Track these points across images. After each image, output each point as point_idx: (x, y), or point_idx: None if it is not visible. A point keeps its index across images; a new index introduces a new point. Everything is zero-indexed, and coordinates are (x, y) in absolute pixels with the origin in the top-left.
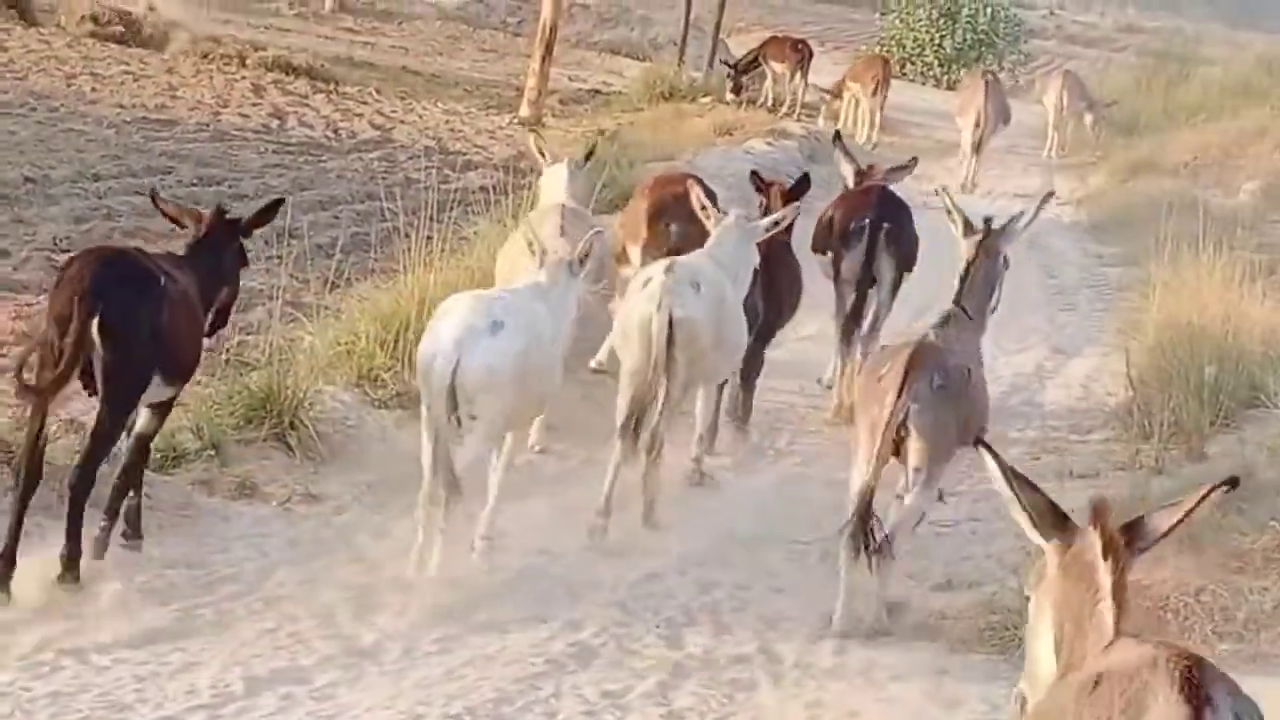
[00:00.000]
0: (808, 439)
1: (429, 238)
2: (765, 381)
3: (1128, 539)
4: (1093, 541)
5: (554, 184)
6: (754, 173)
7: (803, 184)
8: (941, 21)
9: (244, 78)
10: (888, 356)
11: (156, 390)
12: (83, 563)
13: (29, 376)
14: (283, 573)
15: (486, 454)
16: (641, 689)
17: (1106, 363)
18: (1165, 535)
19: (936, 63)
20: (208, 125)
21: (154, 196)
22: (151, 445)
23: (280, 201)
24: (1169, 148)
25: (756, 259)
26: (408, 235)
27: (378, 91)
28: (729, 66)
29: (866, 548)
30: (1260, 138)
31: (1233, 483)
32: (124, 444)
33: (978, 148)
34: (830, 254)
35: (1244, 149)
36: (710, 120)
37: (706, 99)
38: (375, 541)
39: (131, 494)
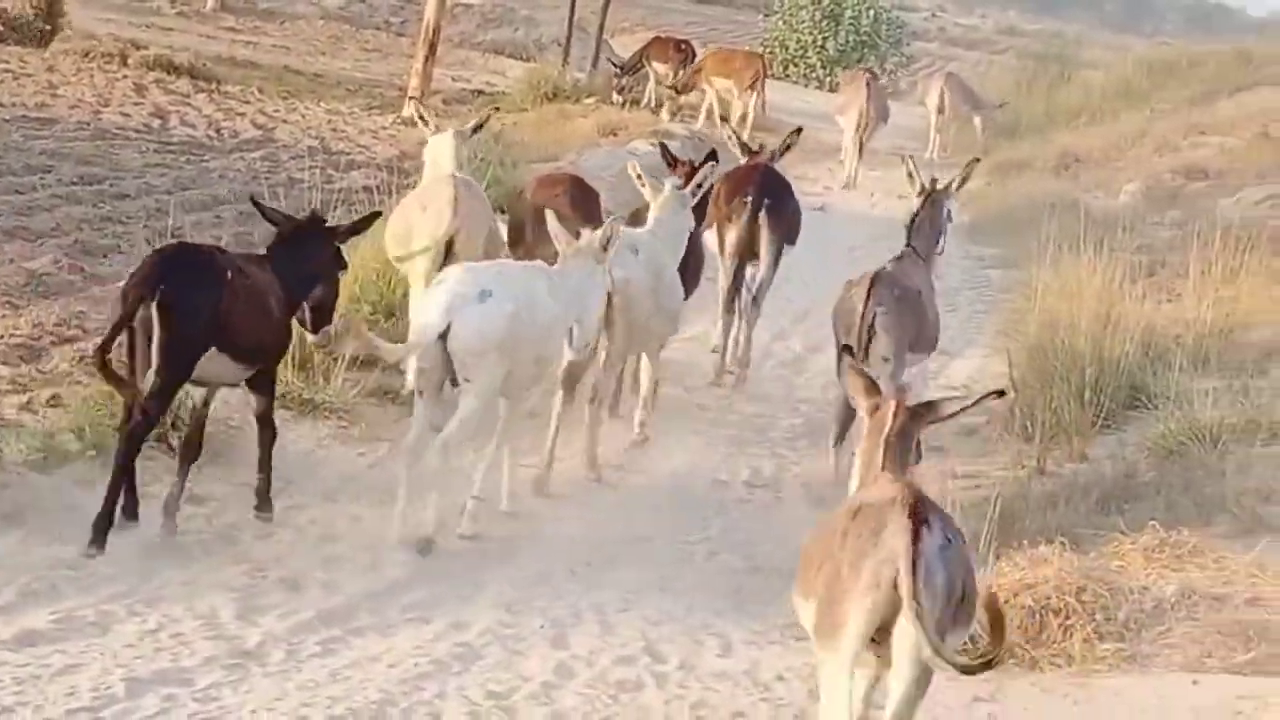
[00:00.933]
0: (696, 438)
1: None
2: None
3: (915, 412)
4: (889, 406)
5: (442, 153)
6: (663, 145)
7: (710, 158)
8: (824, 23)
9: (125, 76)
10: (854, 284)
11: (232, 368)
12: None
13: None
14: (165, 573)
15: (476, 416)
16: (526, 690)
17: (988, 364)
18: (946, 418)
19: (819, 64)
20: (88, 124)
21: (254, 201)
22: (273, 419)
23: (377, 214)
24: (1050, 149)
25: (692, 225)
26: None
27: (260, 91)
28: (615, 67)
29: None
30: (1140, 140)
31: (999, 393)
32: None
33: (861, 146)
34: (716, 227)
35: (1124, 151)
36: (594, 121)
37: (590, 99)
38: (259, 542)
39: (260, 472)
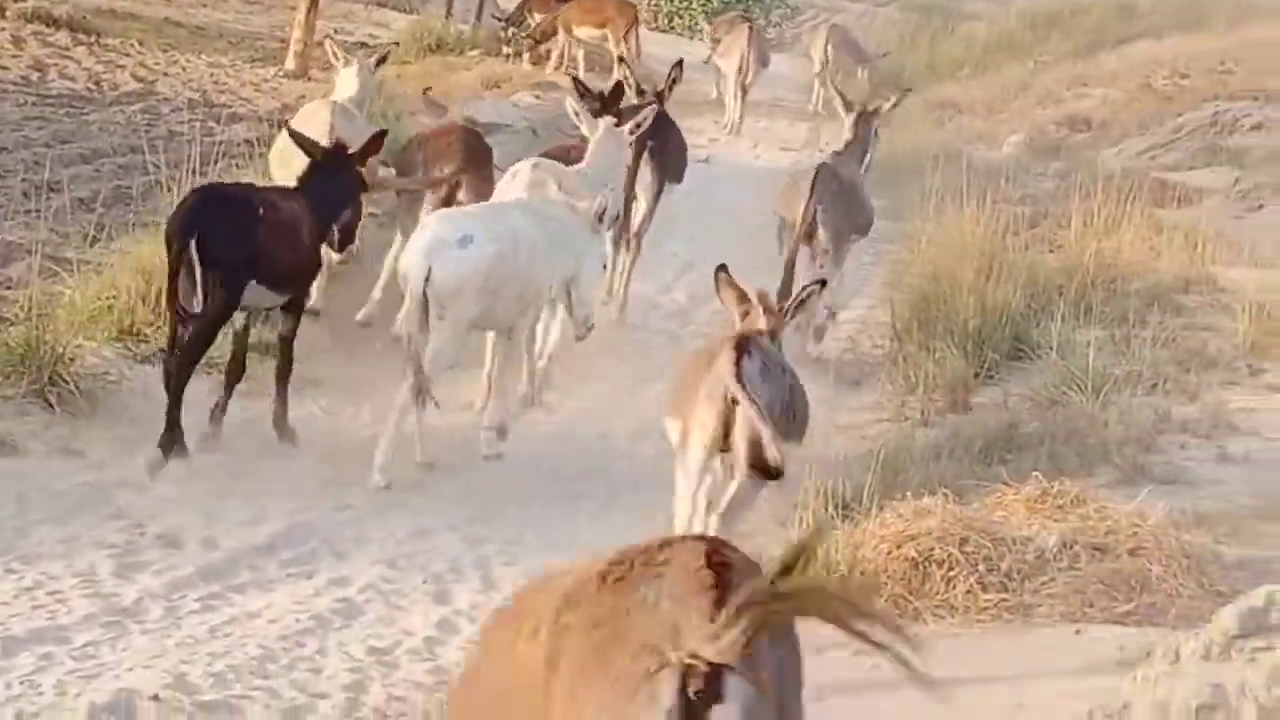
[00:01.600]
0: (581, 391)
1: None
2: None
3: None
4: (756, 308)
5: (347, 84)
6: (574, 79)
7: (617, 89)
8: None
9: (3, 29)
10: (799, 177)
11: (269, 296)
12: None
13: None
14: (42, 530)
15: (450, 351)
16: (408, 645)
17: (872, 315)
18: (796, 309)
19: (703, 16)
20: None
21: (289, 129)
22: (293, 344)
23: (384, 132)
24: (934, 101)
25: (628, 158)
26: (170, 189)
27: (140, 44)
28: (499, 20)
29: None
30: (1023, 91)
31: (821, 283)
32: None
33: (743, 91)
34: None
35: (1007, 103)
36: (478, 73)
37: (475, 52)
38: (137, 497)
39: (277, 397)
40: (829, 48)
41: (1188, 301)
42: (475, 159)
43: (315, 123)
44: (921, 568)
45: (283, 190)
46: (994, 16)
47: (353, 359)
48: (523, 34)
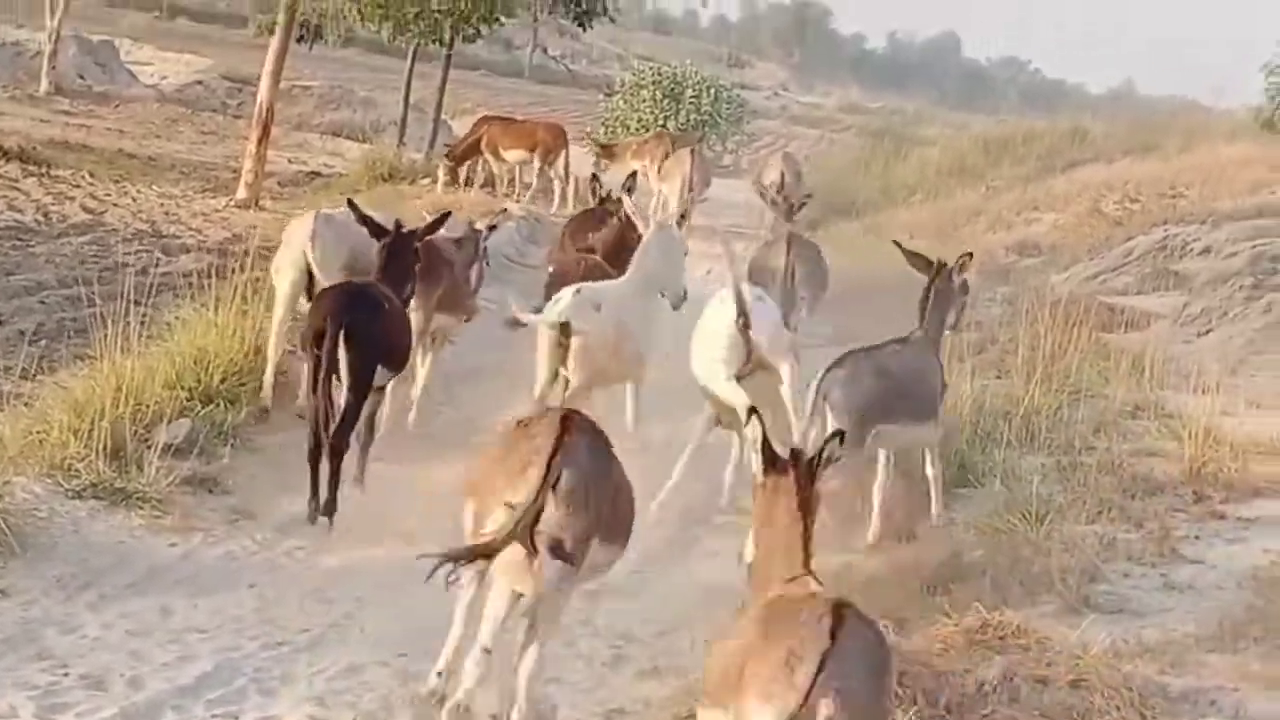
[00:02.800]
0: None
1: (143, 322)
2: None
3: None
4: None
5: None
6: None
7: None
8: (665, 102)
9: None
10: (770, 244)
11: (385, 375)
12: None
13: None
14: None
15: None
16: None
17: (816, 442)
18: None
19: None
20: None
21: (352, 205)
22: None
23: (448, 214)
24: (886, 227)
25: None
26: (110, 322)
27: (91, 175)
28: (447, 148)
29: None
30: (975, 217)
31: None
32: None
33: (685, 213)
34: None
35: (959, 228)
36: (428, 201)
37: (426, 180)
38: (63, 637)
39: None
40: (784, 175)
41: (1134, 427)
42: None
43: (300, 230)
44: None
45: (377, 282)
46: (948, 142)
47: (284, 491)
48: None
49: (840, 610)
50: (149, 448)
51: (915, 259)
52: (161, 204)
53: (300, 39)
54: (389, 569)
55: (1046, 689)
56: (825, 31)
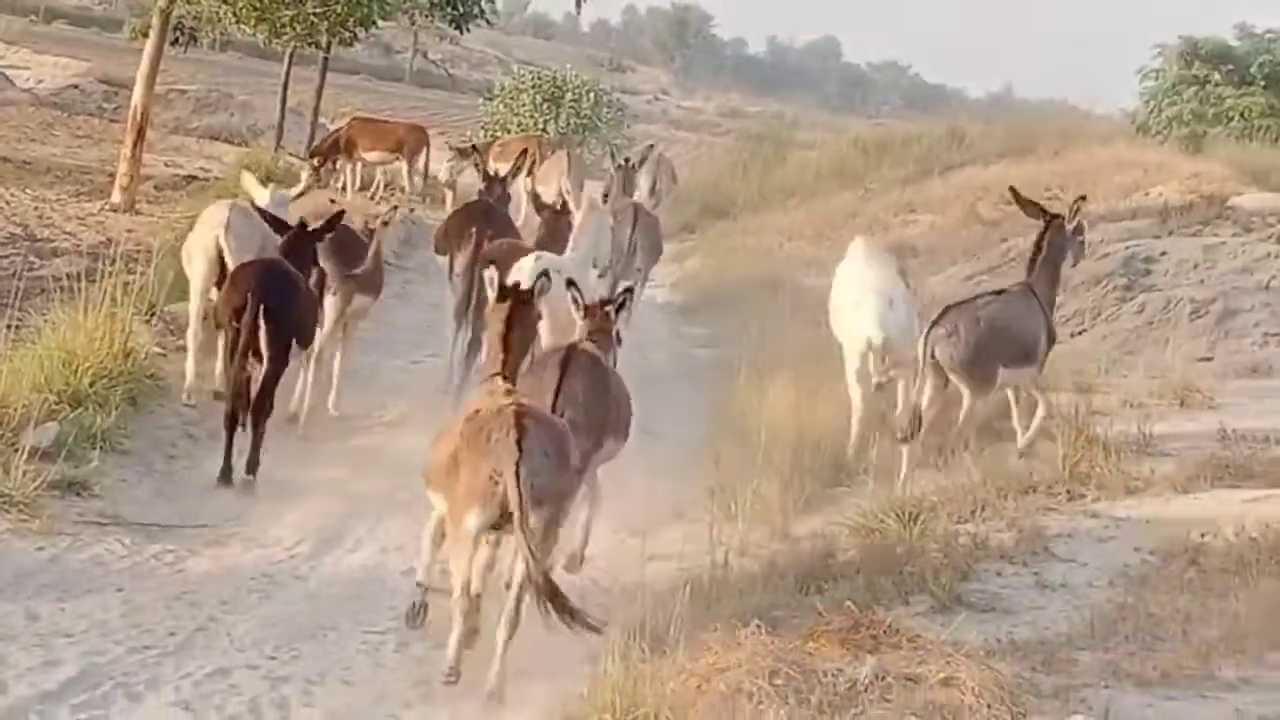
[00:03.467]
0: (390, 523)
1: (12, 326)
2: (351, 472)
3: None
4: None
5: (258, 194)
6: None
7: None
8: (545, 106)
9: None
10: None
11: (295, 351)
12: None
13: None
14: None
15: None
16: None
17: (694, 444)
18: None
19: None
20: None
21: (253, 205)
22: None
23: (342, 212)
24: (763, 230)
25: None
26: None
27: None
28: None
29: None
30: (852, 219)
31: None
32: None
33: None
34: (447, 254)
35: (835, 229)
36: (304, 204)
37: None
38: None
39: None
40: (658, 177)
41: (1009, 427)
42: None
43: (215, 218)
44: (731, 701)
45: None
46: (827, 145)
47: (152, 495)
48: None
49: (521, 420)
50: (16, 451)
51: (1029, 207)
52: (35, 207)
53: (175, 42)
54: (256, 573)
55: (918, 687)
56: (706, 36)
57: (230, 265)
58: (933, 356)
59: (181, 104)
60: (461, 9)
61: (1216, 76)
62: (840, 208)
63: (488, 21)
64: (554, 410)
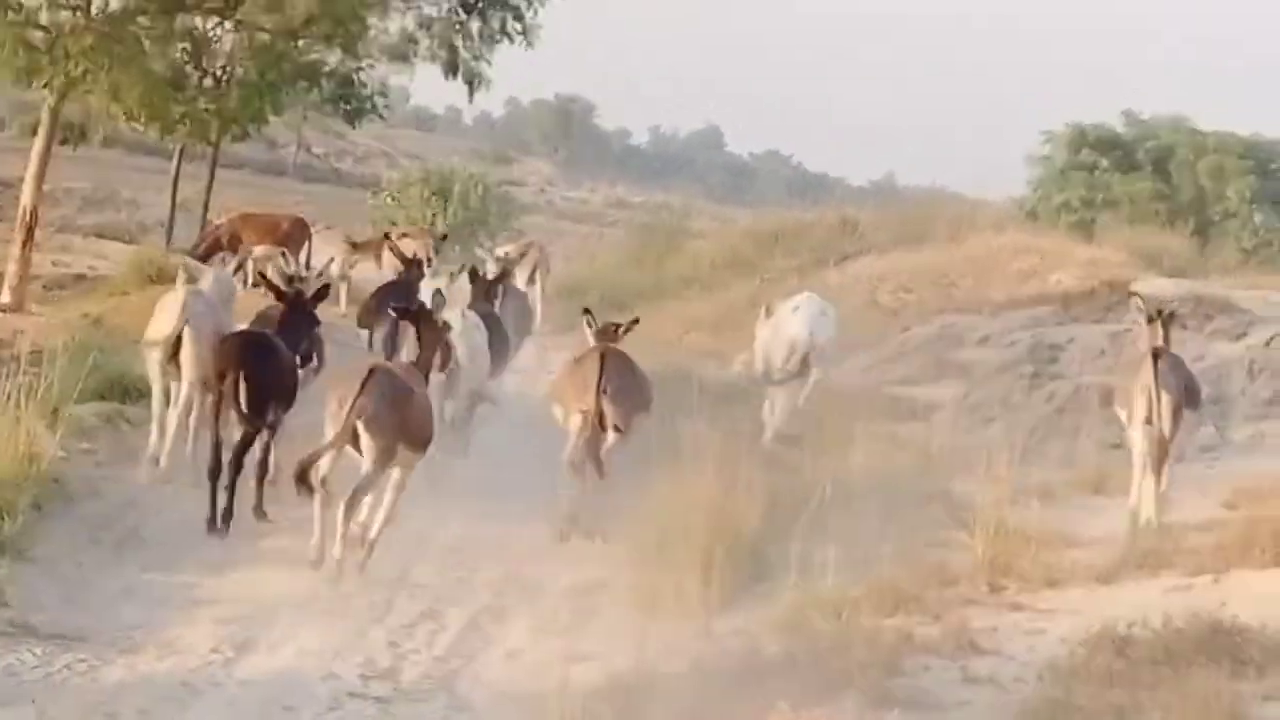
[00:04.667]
0: (308, 628)
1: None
2: (264, 574)
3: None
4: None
5: (205, 280)
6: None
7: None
8: (434, 199)
9: None
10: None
11: (274, 412)
12: None
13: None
14: None
15: None
16: None
17: (611, 540)
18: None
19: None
20: None
21: (263, 277)
22: None
23: (328, 286)
24: (662, 320)
25: None
26: None
27: None
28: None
29: None
30: (752, 308)
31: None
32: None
33: None
34: (369, 328)
35: (736, 320)
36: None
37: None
38: None
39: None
40: (536, 268)
41: (926, 518)
42: None
43: (171, 303)
44: None
45: (276, 331)
46: (718, 235)
47: (63, 603)
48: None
49: (603, 353)
50: None
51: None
52: None
53: (64, 141)
54: (173, 681)
55: None
56: (589, 127)
57: (186, 345)
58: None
59: (69, 202)
60: (354, 105)
61: (1105, 162)
62: (739, 297)
63: (380, 116)
64: (599, 389)
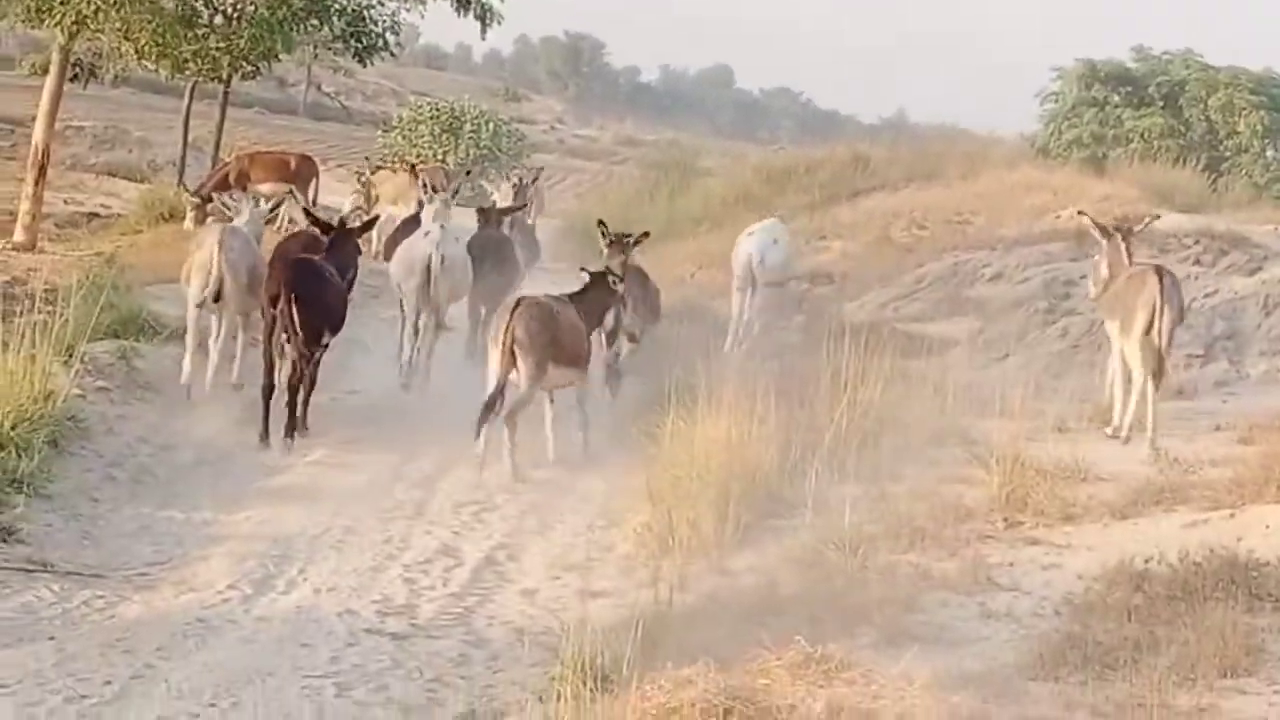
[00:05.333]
0: (322, 564)
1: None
2: (278, 511)
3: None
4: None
5: (241, 216)
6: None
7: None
8: (444, 137)
9: None
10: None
11: (325, 336)
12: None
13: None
14: None
15: None
16: None
17: (625, 478)
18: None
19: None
20: None
21: (306, 211)
22: None
23: (376, 218)
24: (675, 257)
25: None
26: None
27: None
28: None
29: None
30: None
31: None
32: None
33: None
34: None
35: None
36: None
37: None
38: None
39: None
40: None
41: (941, 455)
42: None
43: (209, 238)
44: None
45: (325, 255)
46: (729, 172)
47: (81, 538)
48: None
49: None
50: None
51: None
52: None
53: (74, 78)
54: (190, 617)
55: None
56: (599, 65)
57: (227, 280)
58: None
59: (79, 140)
60: (365, 42)
61: (1115, 98)
62: None
63: (391, 54)
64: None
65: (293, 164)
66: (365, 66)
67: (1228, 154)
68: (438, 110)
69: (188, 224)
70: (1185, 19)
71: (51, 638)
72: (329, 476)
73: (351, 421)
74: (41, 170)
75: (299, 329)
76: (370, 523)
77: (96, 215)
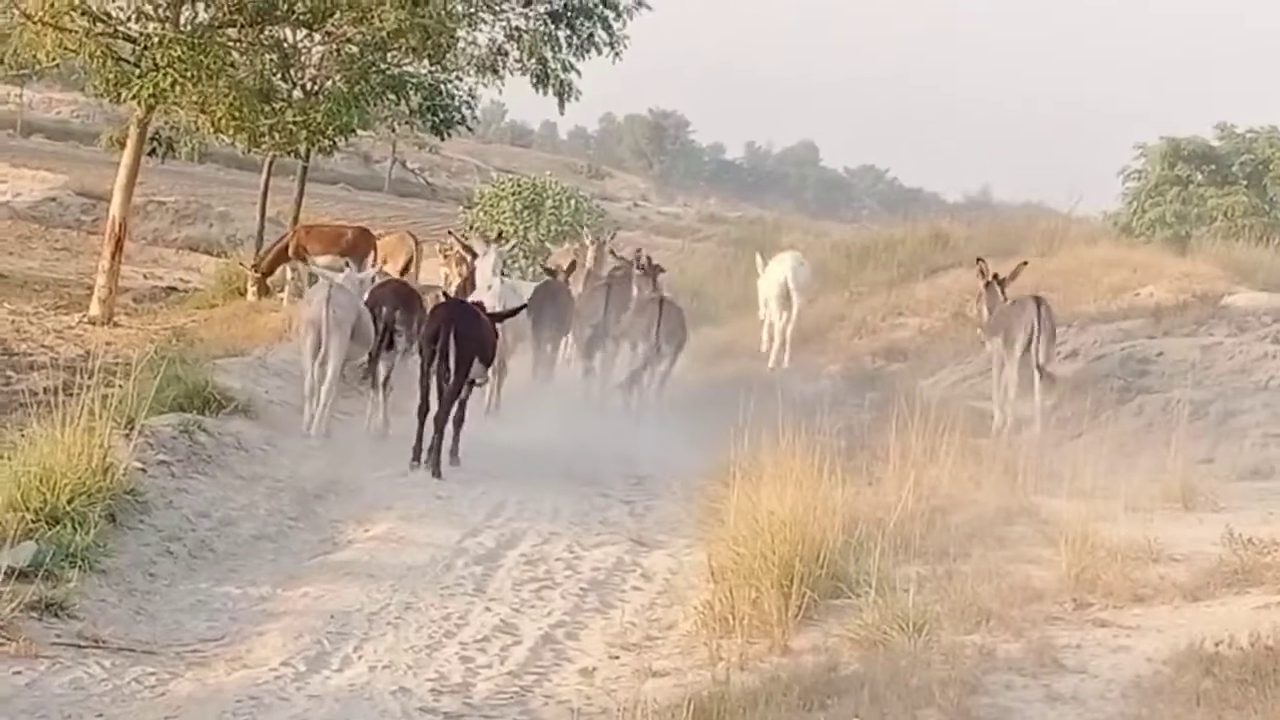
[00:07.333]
0: (376, 642)
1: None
2: (334, 588)
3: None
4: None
5: (339, 275)
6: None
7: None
8: (525, 213)
9: None
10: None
11: (477, 370)
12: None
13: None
14: None
15: None
16: None
17: (690, 556)
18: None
19: (521, 255)
20: None
21: (460, 239)
22: None
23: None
24: (750, 333)
25: None
26: None
27: None
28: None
29: None
30: (839, 323)
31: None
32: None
33: None
34: None
35: (824, 334)
36: (286, 315)
37: (284, 293)
38: None
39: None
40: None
41: (1010, 534)
42: None
43: (318, 296)
44: None
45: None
46: (809, 248)
47: (133, 614)
48: (249, 267)
49: (660, 300)
50: None
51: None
52: (13, 321)
53: (152, 153)
54: (241, 695)
55: None
56: (684, 142)
57: (329, 334)
58: None
59: (160, 215)
60: (442, 116)
61: (1199, 176)
62: (828, 311)
63: (468, 128)
64: (657, 327)
65: (349, 236)
66: (443, 140)
67: None
68: (519, 186)
69: (250, 296)
70: (1269, 96)
71: (100, 715)
72: (390, 552)
73: (414, 496)
74: (118, 244)
75: (454, 363)
76: (429, 599)
77: (175, 289)
